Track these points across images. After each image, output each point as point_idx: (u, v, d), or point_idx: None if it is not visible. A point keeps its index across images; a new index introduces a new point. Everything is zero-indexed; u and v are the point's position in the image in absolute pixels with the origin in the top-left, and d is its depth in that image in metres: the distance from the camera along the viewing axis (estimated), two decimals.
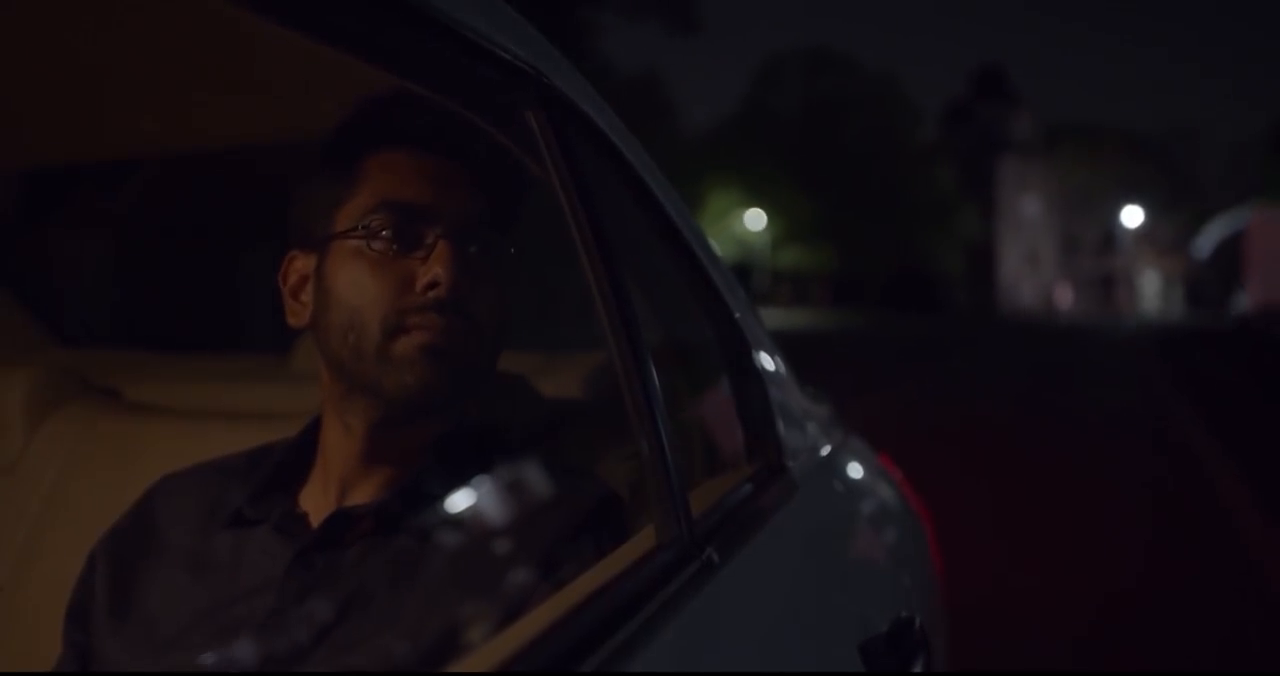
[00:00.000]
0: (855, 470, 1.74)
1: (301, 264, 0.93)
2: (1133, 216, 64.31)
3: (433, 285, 0.87)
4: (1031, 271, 66.83)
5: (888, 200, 51.01)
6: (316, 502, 0.92)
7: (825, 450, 1.63)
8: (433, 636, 0.83)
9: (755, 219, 41.42)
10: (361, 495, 0.91)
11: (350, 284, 0.88)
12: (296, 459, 0.95)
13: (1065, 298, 66.22)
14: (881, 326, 34.79)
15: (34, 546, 1.21)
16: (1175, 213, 64.44)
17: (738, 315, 1.40)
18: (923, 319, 43.37)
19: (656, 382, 0.96)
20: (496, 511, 0.93)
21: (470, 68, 0.87)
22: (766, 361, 1.46)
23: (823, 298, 53.91)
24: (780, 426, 1.39)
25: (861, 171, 50.42)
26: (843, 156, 50.29)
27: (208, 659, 0.86)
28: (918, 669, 1.35)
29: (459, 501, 0.91)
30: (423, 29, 0.79)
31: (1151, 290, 67.08)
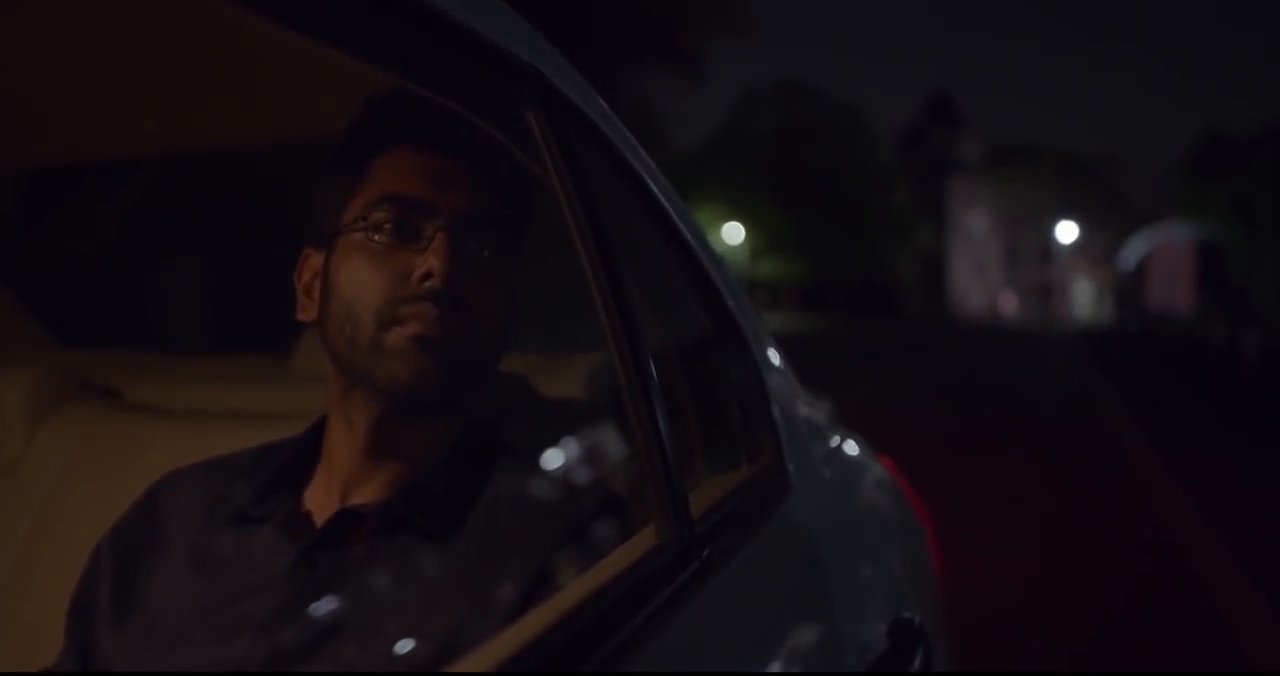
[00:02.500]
0: (855, 469, 1.74)
1: (314, 261, 0.94)
2: (1067, 232, 72.47)
3: (428, 276, 0.87)
4: (979, 280, 75.61)
5: (851, 215, 58.07)
6: (320, 502, 0.92)
7: (825, 449, 1.63)
8: (433, 636, 0.83)
9: (733, 232, 44.84)
10: (365, 494, 0.91)
11: (350, 276, 0.89)
12: (301, 458, 0.95)
13: (1010, 304, 74.79)
14: (847, 328, 42.72)
15: (34, 546, 1.21)
16: (1106, 227, 71.99)
17: (738, 315, 1.40)
18: (882, 322, 52.07)
19: (656, 382, 0.96)
20: (497, 511, 0.93)
21: (470, 68, 0.88)
22: (766, 361, 1.46)
23: (791, 303, 59.93)
24: (780, 426, 1.39)
25: (828, 190, 57.06)
26: (811, 176, 56.67)
27: (209, 657, 0.86)
28: (917, 668, 1.35)
29: (461, 501, 0.91)
30: (422, 29, 0.79)
31: (1085, 298, 75.56)
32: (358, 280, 0.88)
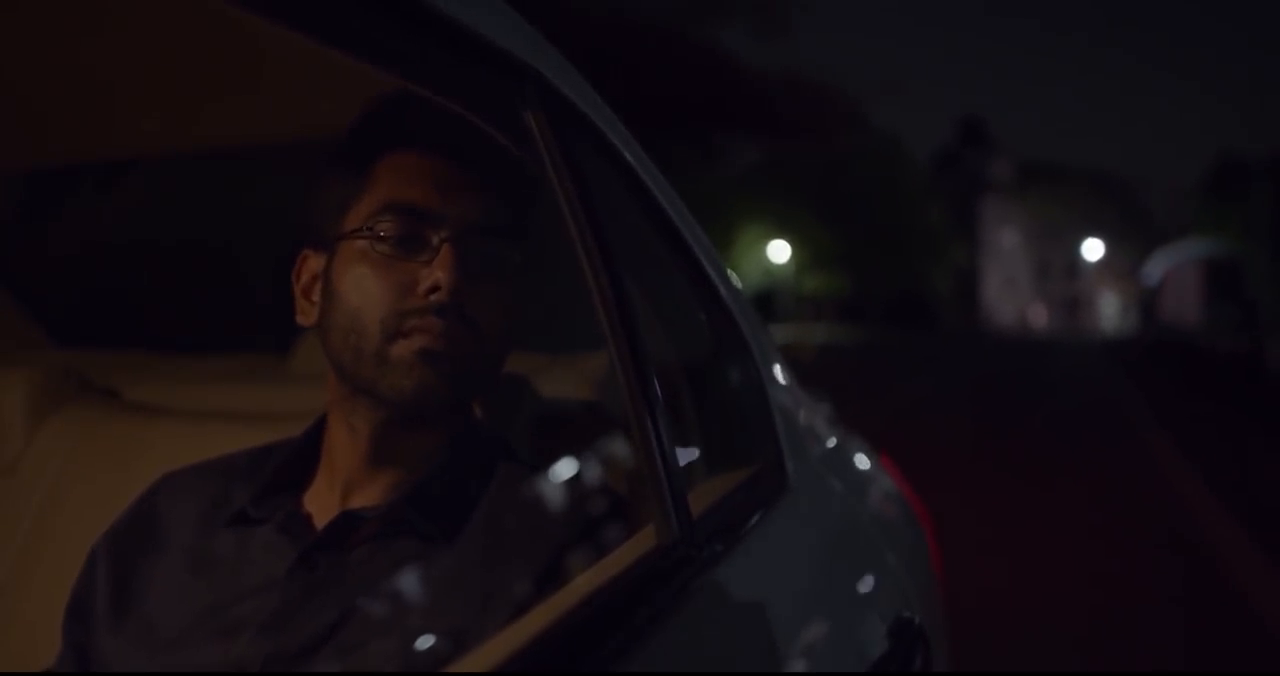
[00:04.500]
0: (855, 469, 1.74)
1: (313, 263, 0.93)
2: (1093, 249, 77.85)
3: (434, 289, 0.86)
4: (1010, 294, 80.00)
5: (889, 234, 61.14)
6: (321, 503, 0.92)
7: (824, 449, 1.63)
8: (433, 637, 0.83)
9: (779, 250, 47.82)
10: (366, 497, 0.91)
11: (354, 285, 0.88)
12: (301, 458, 0.95)
13: (1040, 316, 79.58)
14: (886, 339, 45.61)
15: (34, 546, 1.21)
16: (1130, 243, 76.50)
17: (737, 315, 1.40)
18: (918, 333, 55.75)
19: (656, 382, 0.96)
20: (498, 513, 0.93)
21: (470, 68, 0.87)
22: (766, 362, 1.46)
23: (832, 316, 62.43)
24: (780, 426, 1.39)
25: (867, 210, 59.76)
26: (853, 197, 59.06)
27: (208, 658, 0.86)
28: (917, 668, 1.35)
29: (462, 504, 0.91)
30: (423, 29, 0.79)
31: (1111, 310, 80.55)
32: (362, 290, 0.88)
